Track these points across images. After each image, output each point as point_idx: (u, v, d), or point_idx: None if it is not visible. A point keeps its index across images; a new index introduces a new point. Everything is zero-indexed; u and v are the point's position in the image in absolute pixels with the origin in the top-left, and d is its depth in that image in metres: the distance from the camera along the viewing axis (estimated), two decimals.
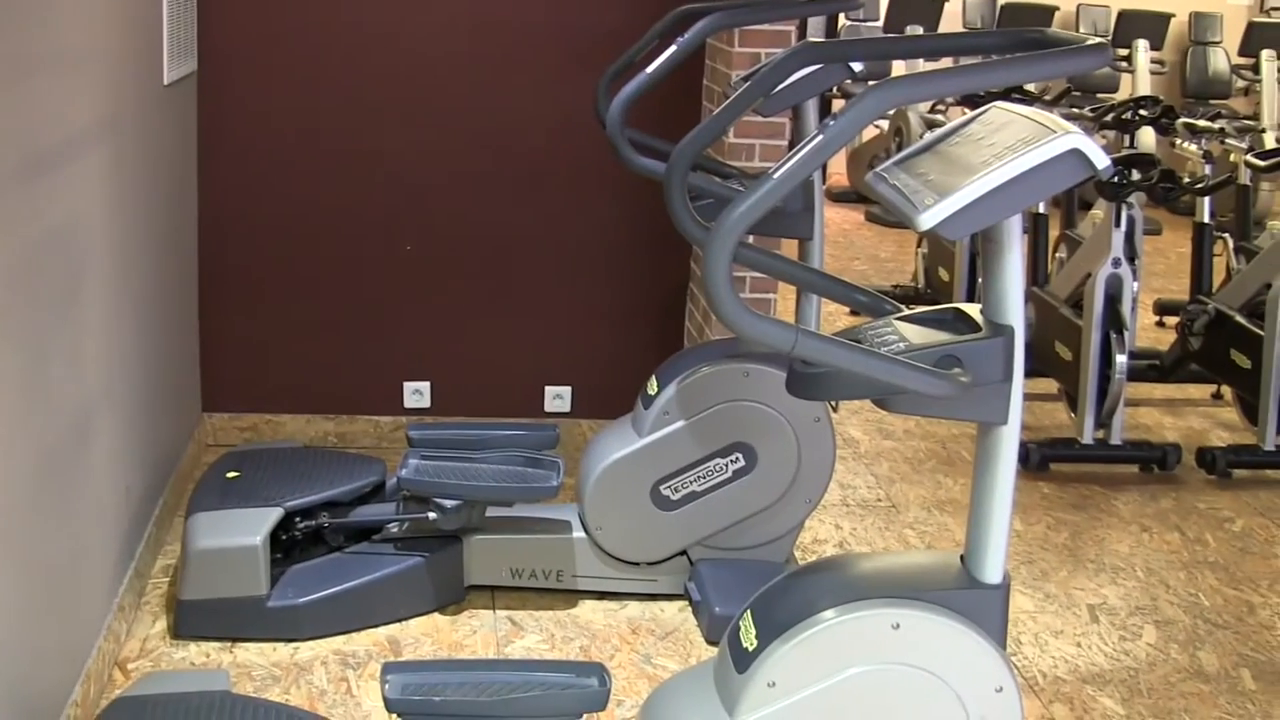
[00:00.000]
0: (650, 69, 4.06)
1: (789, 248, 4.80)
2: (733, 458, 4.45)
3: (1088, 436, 6.17)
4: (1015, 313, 2.80)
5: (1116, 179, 6.09)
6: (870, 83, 2.62)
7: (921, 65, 10.24)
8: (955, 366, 2.74)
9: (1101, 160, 2.62)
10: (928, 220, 2.58)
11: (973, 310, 2.90)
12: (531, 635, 4.38)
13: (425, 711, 3.26)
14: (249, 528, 4.27)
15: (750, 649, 2.94)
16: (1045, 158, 2.60)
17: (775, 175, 2.48)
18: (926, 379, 2.67)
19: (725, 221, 2.45)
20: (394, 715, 3.33)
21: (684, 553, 4.58)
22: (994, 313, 2.82)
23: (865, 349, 2.65)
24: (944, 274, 8.24)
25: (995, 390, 2.80)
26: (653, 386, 4.51)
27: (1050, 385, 6.76)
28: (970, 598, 2.94)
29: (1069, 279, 6.70)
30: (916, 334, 2.84)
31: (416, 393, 5.83)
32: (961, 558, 3.03)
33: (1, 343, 3.12)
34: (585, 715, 3.36)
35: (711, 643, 4.33)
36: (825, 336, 2.64)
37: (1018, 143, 2.67)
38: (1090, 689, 4.26)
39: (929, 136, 3.03)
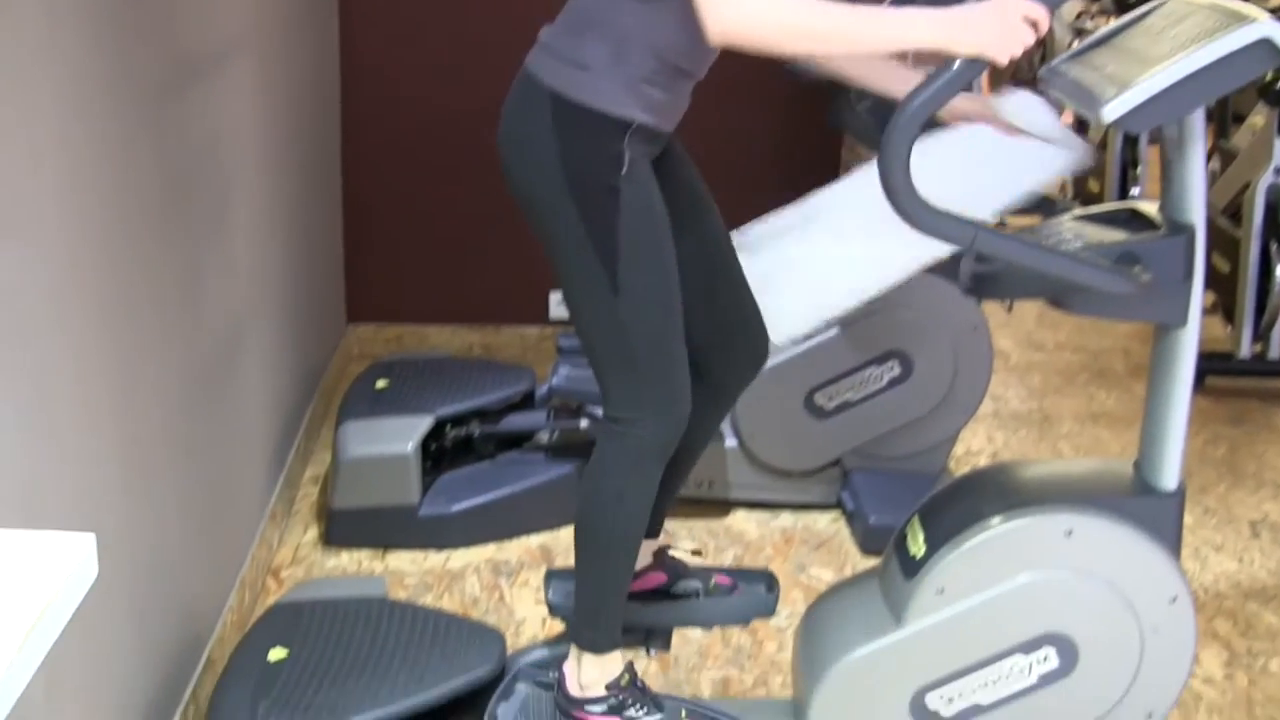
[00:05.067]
0: None
1: None
2: (888, 366, 4.36)
3: (1245, 350, 6.02)
4: (1197, 210, 2.71)
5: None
6: None
7: None
8: (1135, 265, 2.65)
9: None
10: (1111, 113, 2.49)
11: (1150, 209, 2.81)
12: (684, 544, 4.33)
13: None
14: (400, 436, 4.26)
15: (918, 556, 2.88)
16: (1234, 47, 2.50)
17: (954, 67, 2.40)
18: (1106, 277, 2.59)
19: (905, 110, 2.38)
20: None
21: (837, 462, 4.52)
22: (1175, 210, 2.73)
23: (1044, 245, 2.58)
24: (1093, 185, 8.07)
25: (1175, 290, 2.72)
26: None
27: (1206, 297, 6.59)
28: (1145, 505, 2.85)
29: (1226, 189, 6.52)
30: (1093, 232, 2.75)
31: (562, 303, 5.78)
32: (1135, 464, 2.94)
33: (161, 252, 3.12)
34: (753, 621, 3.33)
35: (866, 553, 4.29)
36: (1003, 233, 2.57)
37: (1201, 33, 2.57)
38: (1253, 604, 4.15)
39: (1103, 30, 2.92)
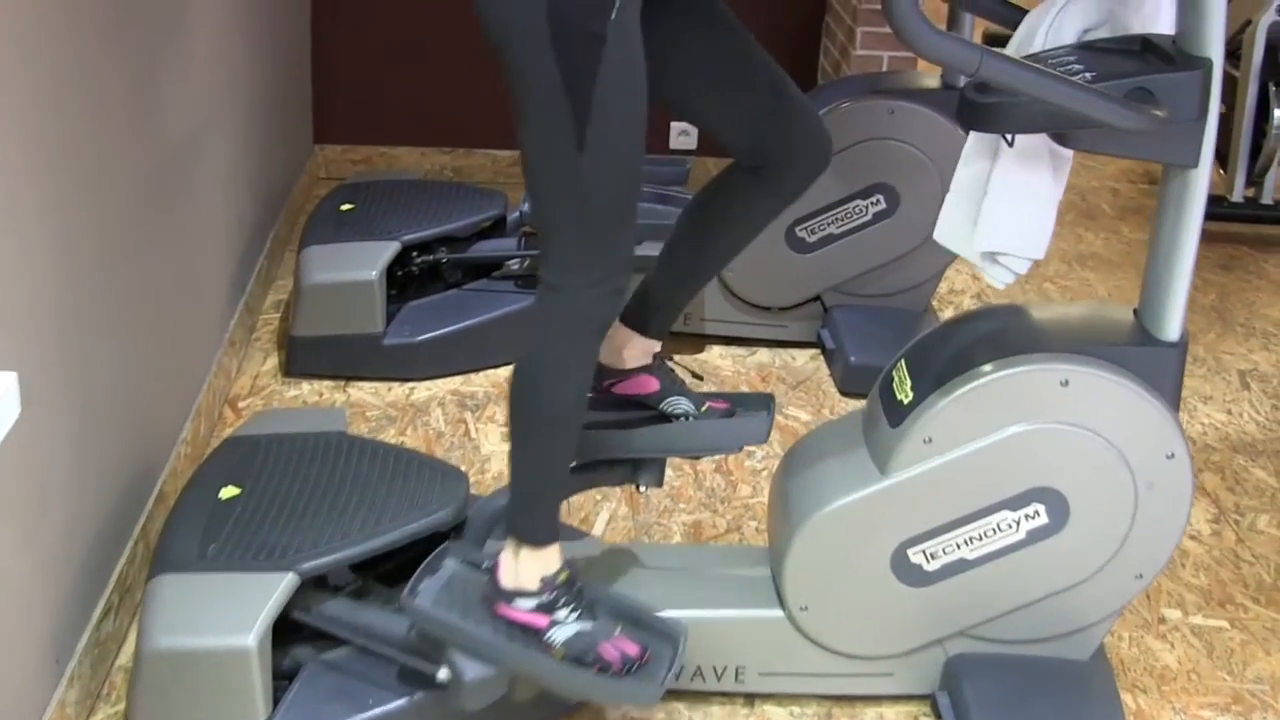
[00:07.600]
0: None
1: None
2: (873, 200, 4.23)
3: (1238, 195, 5.87)
4: (1215, 44, 2.53)
5: None
6: None
7: None
8: (1147, 100, 2.48)
9: None
10: None
11: (1163, 39, 2.64)
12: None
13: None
14: (365, 262, 4.14)
15: (905, 402, 2.75)
16: None
17: None
18: (1119, 111, 2.43)
19: None
20: None
21: (818, 298, 4.41)
22: (1190, 43, 2.55)
23: (1056, 75, 2.41)
24: None
25: (1188, 129, 2.55)
26: None
27: None
28: (1145, 355, 2.72)
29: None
30: (1104, 64, 2.58)
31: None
32: (1135, 312, 2.79)
33: (108, 51, 2.95)
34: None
35: (845, 393, 4.20)
36: (1013, 59, 2.40)
37: None
38: (1242, 459, 4.05)
39: None
